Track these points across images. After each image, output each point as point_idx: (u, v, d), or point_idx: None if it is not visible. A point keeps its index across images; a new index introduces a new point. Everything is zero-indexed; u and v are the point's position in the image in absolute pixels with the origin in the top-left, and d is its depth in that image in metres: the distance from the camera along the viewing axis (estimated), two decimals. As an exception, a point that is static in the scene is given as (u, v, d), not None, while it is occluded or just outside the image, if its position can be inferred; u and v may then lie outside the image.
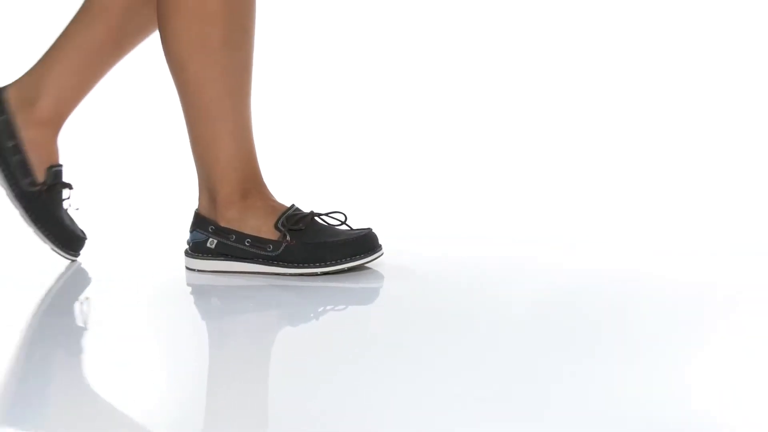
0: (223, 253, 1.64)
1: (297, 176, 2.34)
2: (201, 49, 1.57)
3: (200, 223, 1.65)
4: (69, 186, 1.71)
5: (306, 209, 1.66)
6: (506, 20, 3.30)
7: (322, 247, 1.61)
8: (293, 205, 1.64)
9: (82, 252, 1.73)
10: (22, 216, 1.68)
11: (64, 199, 1.71)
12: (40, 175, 1.68)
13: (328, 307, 1.50)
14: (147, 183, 2.53)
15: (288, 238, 1.61)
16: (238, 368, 1.28)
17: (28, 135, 1.68)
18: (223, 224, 1.63)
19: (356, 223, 1.66)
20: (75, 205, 1.72)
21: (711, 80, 3.15)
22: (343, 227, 1.65)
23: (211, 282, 1.62)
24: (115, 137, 2.96)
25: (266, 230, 1.63)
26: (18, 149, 1.67)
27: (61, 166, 1.70)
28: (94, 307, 1.51)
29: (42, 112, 1.69)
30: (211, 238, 1.64)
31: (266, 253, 1.62)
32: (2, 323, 1.46)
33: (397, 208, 2.21)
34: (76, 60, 1.71)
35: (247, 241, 1.62)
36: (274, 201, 1.66)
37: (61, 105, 1.71)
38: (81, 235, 1.73)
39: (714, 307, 1.49)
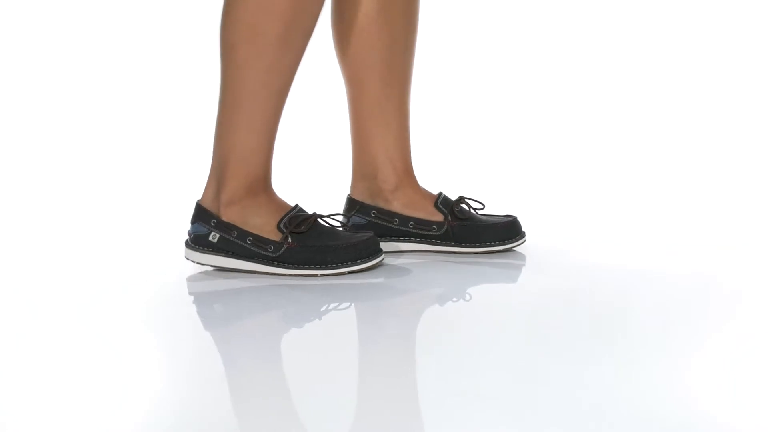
0: (224, 248, 1.64)
1: (305, 176, 2.34)
2: (255, 39, 1.57)
3: (202, 215, 1.65)
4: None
5: (310, 210, 1.67)
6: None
7: (323, 251, 1.61)
8: (297, 206, 1.65)
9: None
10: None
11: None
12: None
13: (332, 306, 1.50)
14: (147, 181, 2.53)
15: (289, 240, 1.61)
16: (250, 369, 1.28)
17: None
18: (224, 219, 1.64)
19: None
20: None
21: (712, 79, 3.15)
22: (344, 230, 1.67)
23: (212, 282, 1.62)
24: (116, 137, 2.96)
25: (268, 230, 1.63)
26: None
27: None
28: (97, 309, 1.52)
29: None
30: (214, 233, 1.64)
31: (267, 253, 1.62)
32: (24, 324, 1.46)
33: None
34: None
35: (249, 239, 1.62)
36: (279, 200, 1.66)
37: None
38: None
39: (719, 303, 1.49)
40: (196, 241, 1.66)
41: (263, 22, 1.56)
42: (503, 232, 1.74)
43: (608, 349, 1.30)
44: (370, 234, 1.65)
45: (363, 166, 1.77)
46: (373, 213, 1.76)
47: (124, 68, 3.23)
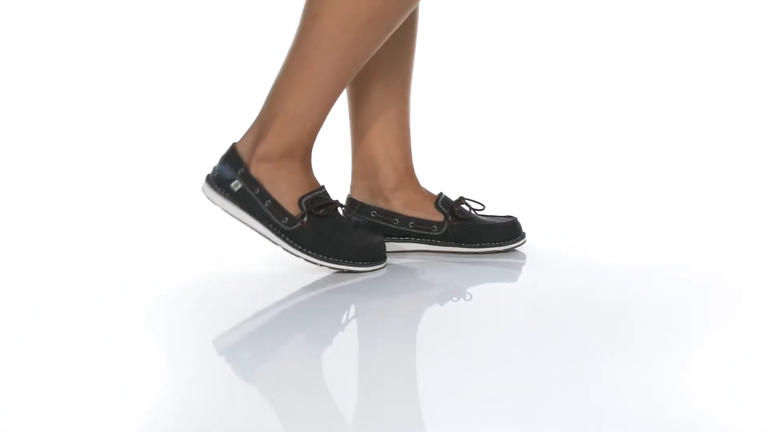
0: (241, 200, 1.63)
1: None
2: (341, 16, 1.55)
3: (233, 159, 1.65)
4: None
5: (335, 197, 1.67)
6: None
7: (332, 243, 1.61)
8: (323, 188, 1.64)
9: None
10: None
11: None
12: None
13: (332, 305, 1.50)
14: (147, 181, 2.53)
15: (305, 219, 1.61)
16: (249, 369, 1.28)
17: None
18: (252, 173, 1.63)
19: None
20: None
21: (712, 79, 3.15)
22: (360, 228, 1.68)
23: (212, 282, 1.62)
24: (116, 137, 2.96)
25: (288, 200, 1.62)
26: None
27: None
28: (97, 309, 1.52)
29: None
30: (237, 181, 1.63)
31: (279, 223, 1.62)
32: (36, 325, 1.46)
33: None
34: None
35: (268, 202, 1.62)
36: (311, 176, 1.65)
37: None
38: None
39: (719, 303, 1.49)
40: (218, 182, 1.65)
41: (357, 3, 1.55)
42: (503, 233, 1.74)
43: (608, 349, 1.30)
44: (380, 240, 1.65)
45: (363, 166, 1.77)
46: (373, 213, 1.76)
47: (123, 68, 3.23)
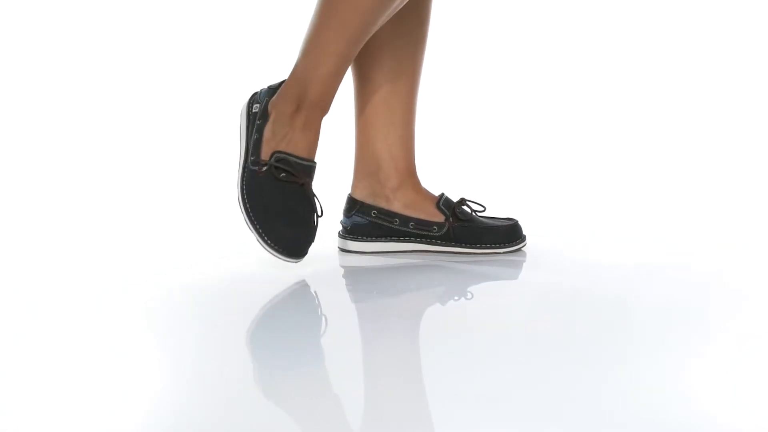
0: (247, 122, 1.66)
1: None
2: None
3: (275, 87, 1.66)
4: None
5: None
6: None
7: (265, 211, 1.60)
8: (311, 162, 1.64)
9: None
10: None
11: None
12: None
13: (332, 305, 1.49)
14: (147, 181, 2.53)
15: (263, 168, 1.61)
16: (250, 369, 1.28)
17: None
18: (269, 106, 1.64)
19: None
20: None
21: (713, 79, 3.15)
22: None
23: (212, 281, 1.62)
24: (117, 137, 2.96)
25: (269, 146, 1.62)
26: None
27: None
28: (98, 309, 1.52)
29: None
30: (259, 105, 1.65)
31: (248, 158, 1.63)
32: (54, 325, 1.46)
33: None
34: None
35: (255, 136, 1.63)
36: (308, 140, 1.64)
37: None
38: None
39: (720, 303, 1.49)
40: (253, 96, 1.68)
41: None
42: (504, 236, 1.74)
43: (608, 349, 1.30)
44: (305, 238, 1.62)
45: (365, 164, 1.77)
46: (374, 213, 1.75)
47: (124, 68, 3.23)
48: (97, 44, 3.27)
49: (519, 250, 1.74)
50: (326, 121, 1.65)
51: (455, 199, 1.78)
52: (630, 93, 3.13)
